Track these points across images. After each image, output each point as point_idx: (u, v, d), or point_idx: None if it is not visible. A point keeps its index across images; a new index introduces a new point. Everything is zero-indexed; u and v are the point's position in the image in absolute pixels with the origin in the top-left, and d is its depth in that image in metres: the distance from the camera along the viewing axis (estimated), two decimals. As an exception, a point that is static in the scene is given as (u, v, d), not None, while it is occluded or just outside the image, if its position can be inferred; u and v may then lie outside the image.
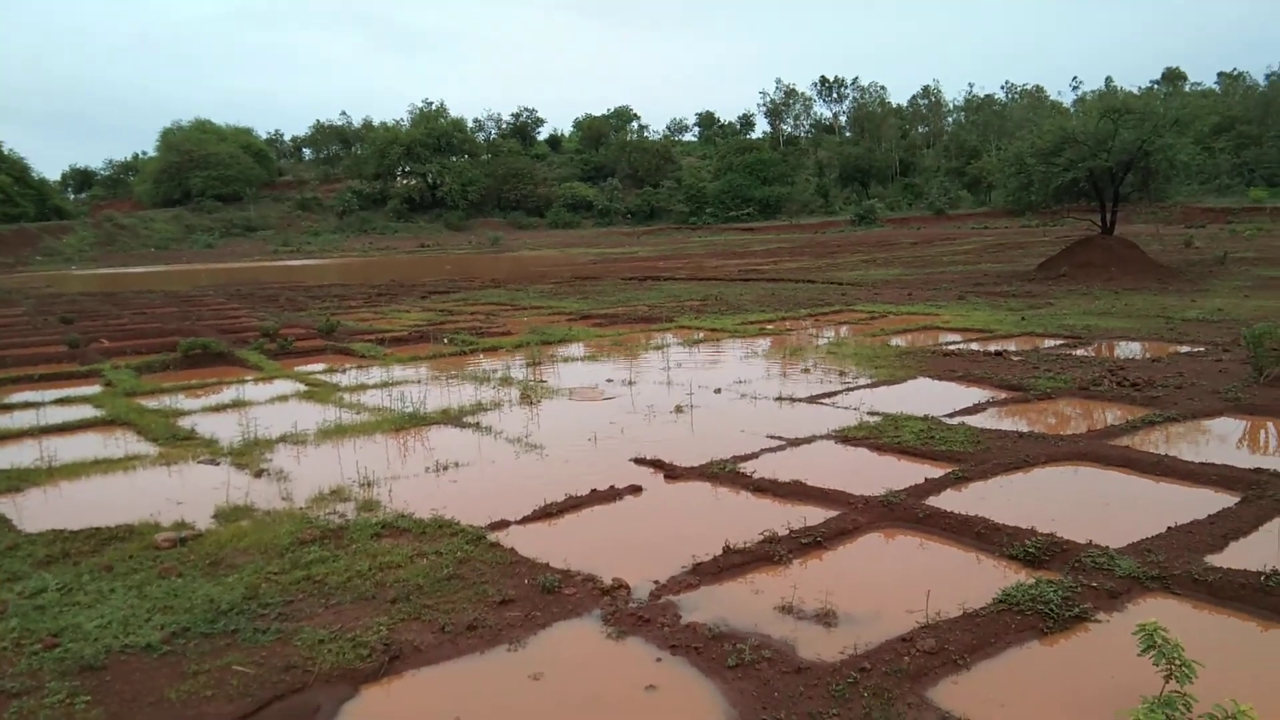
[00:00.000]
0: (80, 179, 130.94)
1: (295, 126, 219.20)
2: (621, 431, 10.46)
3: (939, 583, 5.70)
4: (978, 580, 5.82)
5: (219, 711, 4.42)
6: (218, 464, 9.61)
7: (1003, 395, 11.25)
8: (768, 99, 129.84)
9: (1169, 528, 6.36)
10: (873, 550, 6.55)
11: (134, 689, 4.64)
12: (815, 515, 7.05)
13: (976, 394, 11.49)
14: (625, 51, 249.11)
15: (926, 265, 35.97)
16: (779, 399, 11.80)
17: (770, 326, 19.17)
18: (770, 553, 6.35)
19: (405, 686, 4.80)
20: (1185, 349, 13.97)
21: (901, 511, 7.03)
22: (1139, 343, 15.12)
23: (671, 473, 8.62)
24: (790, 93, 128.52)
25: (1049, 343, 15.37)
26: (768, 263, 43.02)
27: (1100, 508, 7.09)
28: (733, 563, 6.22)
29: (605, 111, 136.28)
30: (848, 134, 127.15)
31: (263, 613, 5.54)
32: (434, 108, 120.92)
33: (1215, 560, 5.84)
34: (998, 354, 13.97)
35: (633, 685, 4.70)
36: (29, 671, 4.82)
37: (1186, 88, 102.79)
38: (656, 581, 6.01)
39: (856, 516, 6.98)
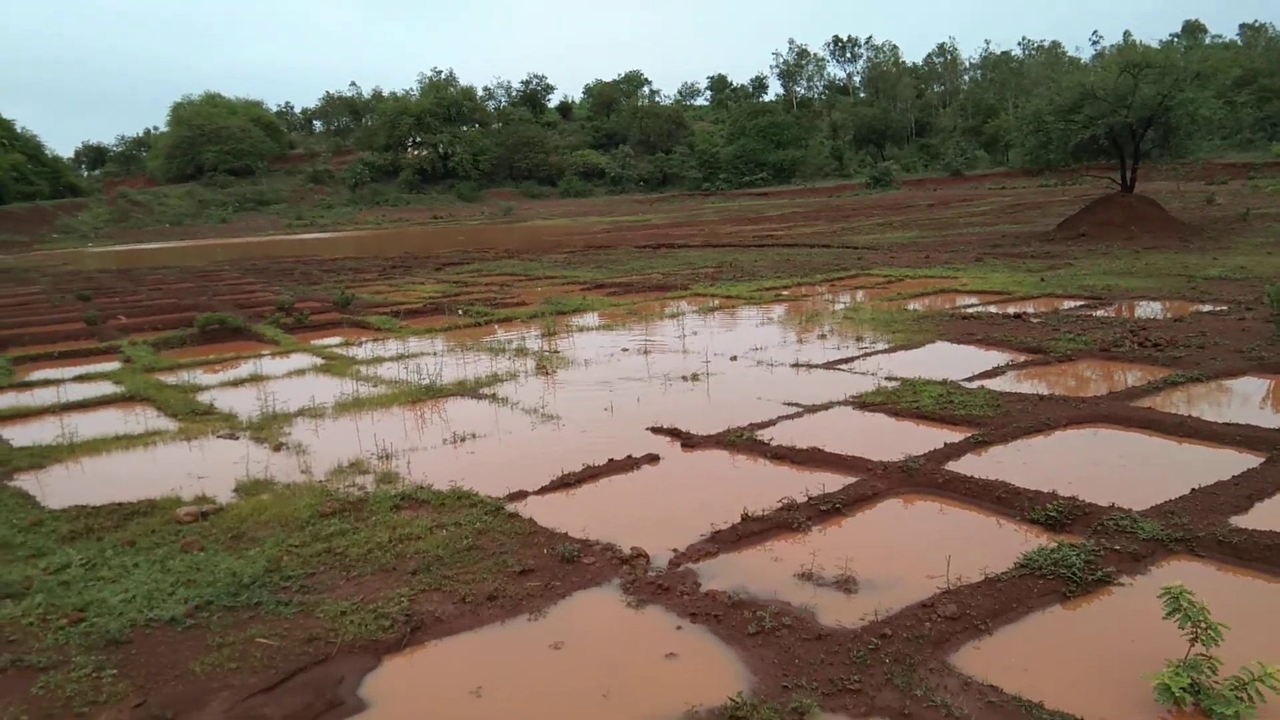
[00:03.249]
0: (93, 156, 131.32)
1: (305, 98, 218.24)
2: (638, 400, 10.44)
3: (959, 548, 5.67)
4: (999, 545, 5.79)
5: (243, 683, 4.46)
6: (237, 438, 9.67)
7: (1022, 358, 11.15)
8: (780, 60, 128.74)
9: (1192, 489, 6.29)
10: (892, 516, 6.52)
11: (159, 662, 4.69)
12: (834, 482, 7.01)
13: (996, 357, 11.38)
14: (635, 15, 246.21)
15: (944, 227, 35.61)
16: (796, 365, 11.73)
17: (786, 292, 19.05)
18: (789, 520, 6.33)
19: (427, 657, 4.83)
20: (1207, 308, 13.77)
21: (921, 477, 6.99)
22: (1160, 302, 14.94)
23: (689, 441, 8.60)
24: (803, 54, 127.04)
25: (1069, 304, 15.19)
26: (782, 228, 42.69)
27: (1122, 470, 7.03)
28: (752, 530, 6.21)
29: (616, 77, 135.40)
30: (862, 95, 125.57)
31: (285, 585, 5.58)
32: (443, 77, 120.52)
33: (1240, 521, 5.77)
34: (1017, 316, 13.83)
35: (653, 653, 4.70)
36: (55, 646, 4.88)
37: (1207, 40, 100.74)
38: (675, 550, 6.01)
39: (875, 483, 6.94)
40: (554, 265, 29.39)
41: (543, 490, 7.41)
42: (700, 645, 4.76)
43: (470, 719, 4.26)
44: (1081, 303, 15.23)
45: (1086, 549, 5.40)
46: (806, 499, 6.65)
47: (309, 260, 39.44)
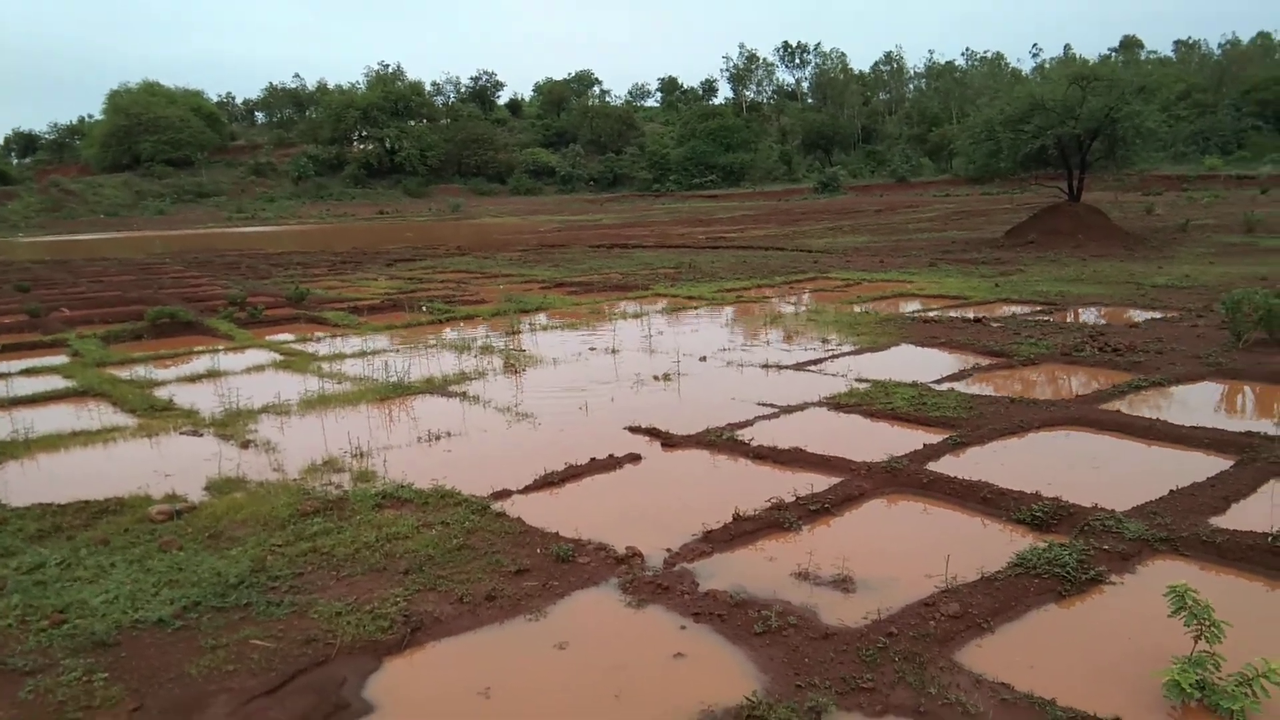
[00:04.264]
0: (24, 143, 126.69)
1: (247, 89, 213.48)
2: (611, 400, 10.40)
3: (950, 548, 5.73)
4: (989, 545, 5.88)
5: (243, 686, 4.33)
6: (201, 435, 9.40)
7: (986, 361, 11.35)
8: (730, 64, 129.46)
9: (1170, 491, 6.45)
10: (881, 516, 6.59)
11: (151, 665, 4.52)
12: (819, 482, 7.05)
13: (960, 360, 11.58)
14: (586, 14, 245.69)
15: (893, 232, 36.17)
16: (765, 366, 11.80)
17: (747, 294, 19.16)
18: (780, 520, 6.35)
19: (429, 658, 4.74)
20: (1159, 315, 14.18)
21: (905, 477, 7.07)
22: (1113, 308, 15.34)
23: (669, 441, 8.59)
24: (752, 58, 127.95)
25: (1024, 309, 15.53)
26: (734, 230, 42.98)
27: (1099, 472, 7.19)
28: (744, 530, 6.22)
29: (566, 76, 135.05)
30: (810, 101, 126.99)
31: (273, 586, 5.43)
32: (390, 71, 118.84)
33: (1219, 522, 5.94)
34: (977, 320, 14.09)
35: (660, 653, 4.68)
36: (39, 649, 4.68)
37: (1143, 56, 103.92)
38: (669, 550, 5.99)
39: (861, 483, 7.00)
40: (508, 263, 29.17)
41: (526, 489, 7.33)
42: (707, 645, 4.75)
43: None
44: (1037, 308, 15.58)
45: (1078, 548, 5.51)
46: (795, 499, 6.68)
47: (254, 254, 38.59)
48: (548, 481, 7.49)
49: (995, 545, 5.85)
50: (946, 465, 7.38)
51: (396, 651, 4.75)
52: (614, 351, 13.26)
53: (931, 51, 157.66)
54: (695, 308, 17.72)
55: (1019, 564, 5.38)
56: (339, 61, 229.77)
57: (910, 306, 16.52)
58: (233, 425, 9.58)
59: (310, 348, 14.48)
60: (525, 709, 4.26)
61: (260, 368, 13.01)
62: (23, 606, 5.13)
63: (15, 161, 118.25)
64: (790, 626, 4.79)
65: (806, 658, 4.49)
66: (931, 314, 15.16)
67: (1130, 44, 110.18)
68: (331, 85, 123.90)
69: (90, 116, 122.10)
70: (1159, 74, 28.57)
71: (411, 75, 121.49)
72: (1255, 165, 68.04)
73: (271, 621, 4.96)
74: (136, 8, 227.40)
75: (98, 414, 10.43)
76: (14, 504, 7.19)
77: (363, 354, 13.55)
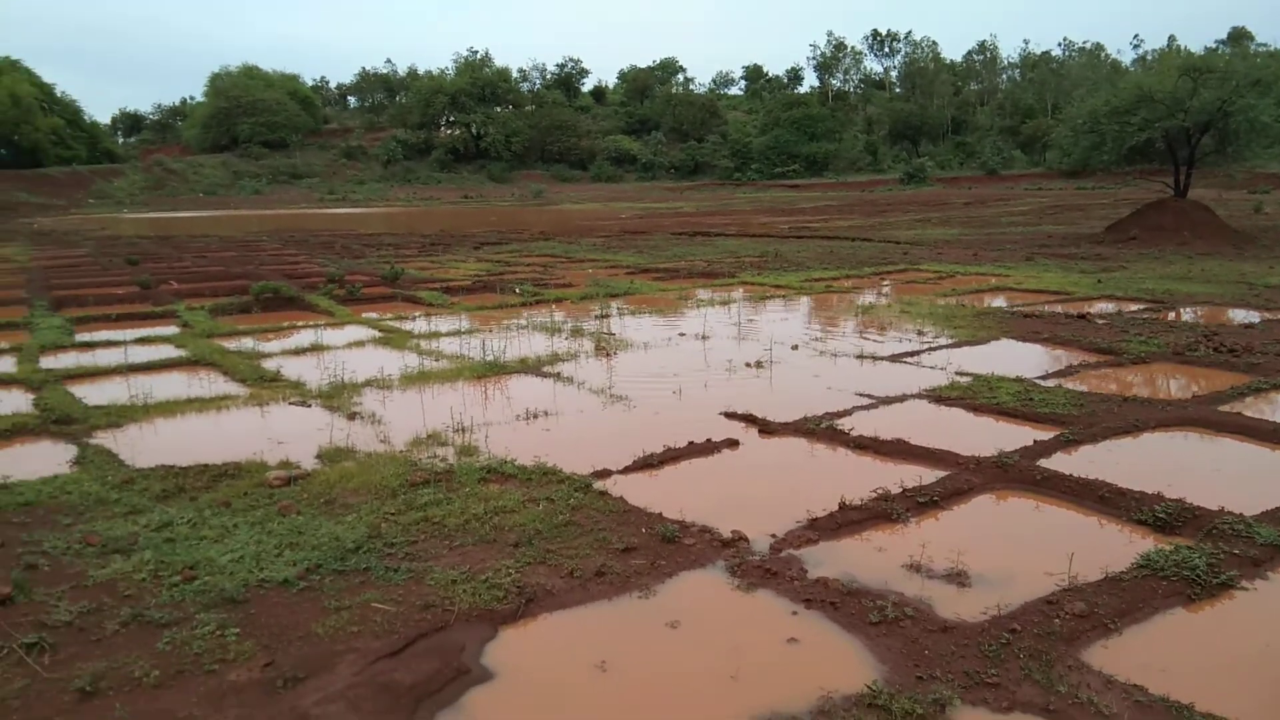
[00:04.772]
0: (130, 123, 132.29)
1: (341, 74, 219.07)
2: (705, 385, 10.38)
3: (1068, 546, 5.54)
4: (1109, 544, 5.69)
5: (367, 647, 4.45)
6: (309, 406, 9.69)
7: (1093, 359, 10.98)
8: (817, 52, 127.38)
9: (1303, 496, 6.16)
10: (991, 511, 6.44)
11: (279, 623, 4.68)
12: (925, 475, 6.92)
13: (1065, 356, 11.23)
14: (672, 1, 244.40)
15: (984, 226, 35.26)
16: (860, 357, 11.62)
17: (836, 284, 18.91)
18: (887, 510, 6.25)
19: (543, 629, 4.80)
20: (1276, 316, 13.51)
21: (1016, 473, 6.89)
22: (1225, 308, 14.69)
23: (766, 428, 8.53)
24: (840, 46, 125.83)
25: (1131, 306, 14.97)
26: (817, 220, 42.42)
27: (1221, 474, 6.90)
28: (850, 519, 6.14)
29: (650, 63, 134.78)
30: (898, 90, 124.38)
31: (390, 552, 5.57)
32: (479, 57, 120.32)
33: (1358, 531, 5.65)
34: (1081, 317, 13.64)
35: (773, 638, 4.65)
36: (173, 603, 4.88)
37: (1253, 48, 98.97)
38: (774, 535, 5.95)
39: (970, 477, 6.85)
40: (592, 249, 29.32)
41: (626, 470, 7.36)
42: (820, 632, 4.71)
43: (599, 693, 4.23)
44: (1144, 306, 15.01)
45: (1206, 551, 5.30)
46: (901, 490, 6.57)
47: (346, 234, 39.54)
48: (647, 463, 7.51)
49: (1116, 545, 5.66)
50: (1059, 463, 7.16)
51: (511, 621, 4.82)
52: (704, 338, 13.22)
53: (1027, 41, 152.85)
54: (783, 296, 17.56)
55: (1144, 565, 5.19)
56: (430, 48, 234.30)
57: (1008, 301, 16.08)
58: (338, 397, 9.84)
59: (407, 325, 14.79)
60: (641, 685, 4.29)
61: (360, 343, 13.35)
62: (155, 562, 5.36)
63: (121, 140, 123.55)
64: (906, 618, 4.71)
65: (926, 650, 4.41)
66: (1030, 309, 14.73)
67: (1239, 35, 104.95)
68: (421, 71, 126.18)
69: (192, 98, 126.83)
70: (1275, 67, 27.11)
71: (499, 62, 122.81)
72: (1376, 163, 64.16)
73: (390, 586, 5.09)
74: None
75: (209, 383, 10.82)
76: (138, 464, 7.51)
77: (458, 333, 13.79)
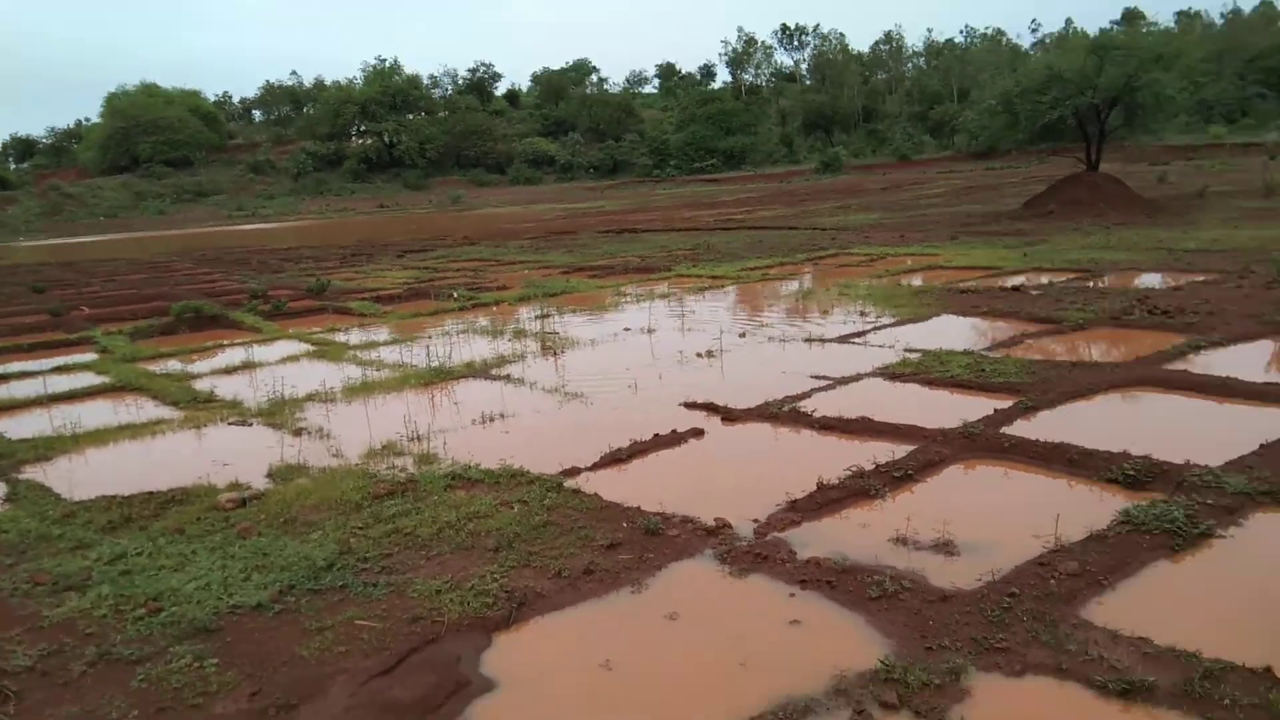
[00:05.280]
0: (22, 148, 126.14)
1: (245, 88, 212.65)
2: (659, 377, 10.28)
3: (1046, 509, 5.58)
4: (1086, 504, 5.76)
5: (358, 666, 4.22)
6: (250, 424, 9.30)
7: (1034, 328, 11.20)
8: (729, 48, 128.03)
9: (1261, 445, 6.34)
10: (966, 481, 6.48)
11: (260, 649, 4.42)
12: (896, 450, 6.93)
13: (1007, 327, 11.44)
14: (581, 1, 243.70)
15: (904, 209, 35.94)
16: (809, 340, 11.66)
17: (772, 271, 19.01)
18: (864, 487, 6.24)
19: (539, 632, 4.63)
20: (1200, 278, 14.00)
21: (984, 442, 6.95)
22: (1152, 273, 15.18)
23: (728, 415, 8.47)
24: (751, 41, 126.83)
25: (1060, 277, 15.36)
26: (740, 212, 42.70)
27: (1180, 429, 7.09)
28: (830, 498, 6.10)
29: (563, 65, 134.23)
30: (809, 82, 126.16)
31: (364, 567, 5.32)
32: (388, 65, 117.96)
33: (1318, 473, 5.82)
34: (1015, 289, 13.94)
35: (775, 621, 4.57)
36: (141, 637, 4.58)
37: (1145, 28, 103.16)
38: (756, 520, 5.88)
39: (939, 449, 6.88)
40: (521, 250, 29.00)
41: (595, 466, 7.22)
42: (821, 611, 4.64)
43: (610, 693, 4.09)
44: (1072, 275, 15.41)
45: (1182, 504, 5.40)
46: (875, 467, 6.56)
47: (260, 250, 38.37)
48: (615, 458, 7.39)
49: (1091, 505, 5.74)
50: (1022, 429, 7.26)
51: (505, 627, 4.64)
52: (650, 331, 13.12)
53: (930, 30, 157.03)
54: (722, 286, 17.56)
55: (1125, 520, 5.27)
56: (335, 58, 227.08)
57: (942, 278, 16.35)
58: (280, 414, 9.46)
59: (341, 337, 14.36)
60: (651, 680, 4.16)
61: (294, 358, 12.90)
62: (114, 596, 5.02)
63: (13, 166, 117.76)
64: (904, 590, 4.68)
65: (930, 620, 4.38)
66: (969, 284, 15.00)
67: (1132, 16, 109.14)
68: (329, 81, 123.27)
69: (87, 120, 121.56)
70: (1178, 41, 28.23)
71: (409, 69, 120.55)
72: (1260, 133, 67.54)
73: (371, 602, 4.86)
74: (131, 7, 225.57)
75: (139, 408, 10.33)
76: (77, 497, 7.08)
77: (395, 342, 13.43)
